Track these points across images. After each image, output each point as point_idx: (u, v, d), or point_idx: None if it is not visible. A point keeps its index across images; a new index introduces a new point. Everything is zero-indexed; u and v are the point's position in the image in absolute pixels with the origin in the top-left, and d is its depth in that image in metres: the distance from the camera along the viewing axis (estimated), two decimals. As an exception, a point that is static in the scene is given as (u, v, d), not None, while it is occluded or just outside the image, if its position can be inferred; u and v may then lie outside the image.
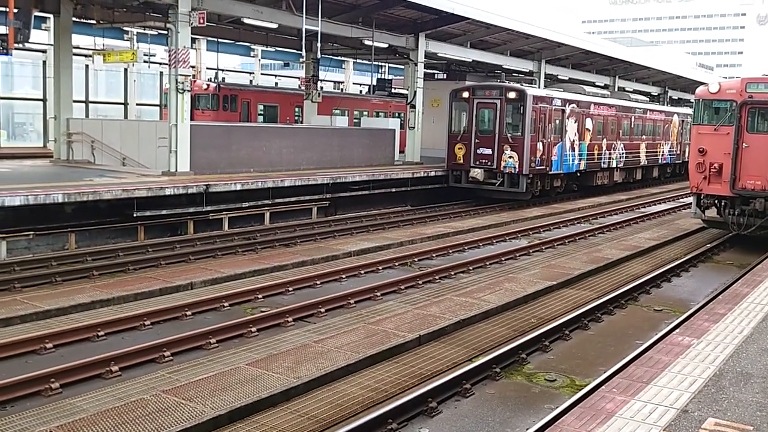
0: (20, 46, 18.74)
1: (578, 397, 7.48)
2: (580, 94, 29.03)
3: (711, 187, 17.21)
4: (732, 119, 16.76)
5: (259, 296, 11.86)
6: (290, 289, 12.41)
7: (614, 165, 31.00)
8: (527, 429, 7.04)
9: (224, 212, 18.07)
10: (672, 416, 5.81)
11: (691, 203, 18.54)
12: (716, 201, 17.65)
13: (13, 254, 14.10)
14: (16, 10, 16.49)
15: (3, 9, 18.24)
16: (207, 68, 36.88)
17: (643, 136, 33.83)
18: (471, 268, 14.64)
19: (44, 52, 29.23)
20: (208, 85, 30.37)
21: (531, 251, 16.77)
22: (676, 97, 52.99)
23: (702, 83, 22.53)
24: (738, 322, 8.75)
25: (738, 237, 17.80)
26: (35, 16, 20.11)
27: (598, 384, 7.69)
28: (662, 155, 36.54)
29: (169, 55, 19.57)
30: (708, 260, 16.59)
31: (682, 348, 7.67)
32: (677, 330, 8.85)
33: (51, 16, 23.05)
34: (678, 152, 38.63)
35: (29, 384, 7.68)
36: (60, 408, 7.07)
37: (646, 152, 34.31)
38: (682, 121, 38.53)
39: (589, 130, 28.32)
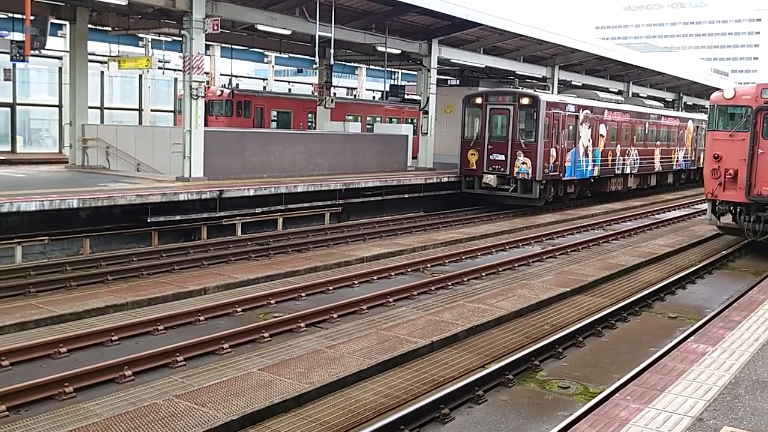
0: (36, 52, 18.92)
1: (592, 404, 7.43)
2: (593, 99, 28.93)
3: (726, 193, 17.08)
4: (747, 125, 16.64)
5: (272, 302, 11.88)
6: (303, 294, 12.43)
7: (628, 171, 30.84)
8: (540, 436, 7.01)
9: (237, 218, 18.14)
10: (687, 424, 5.77)
11: (706, 209, 18.41)
12: (731, 207, 17.52)
13: (28, 259, 14.21)
14: (32, 18, 16.64)
15: (20, 16, 18.42)
16: (221, 74, 37.09)
17: (658, 142, 33.66)
18: (484, 274, 14.60)
19: (60, 58, 29.48)
20: (222, 91, 30.51)
21: (544, 257, 16.71)
22: (691, 103, 52.71)
23: (717, 89, 22.39)
24: (754, 330, 8.67)
25: (754, 244, 17.64)
26: (51, 23, 20.26)
27: (612, 391, 7.64)
28: (677, 161, 36.34)
29: (184, 62, 19.69)
30: (723, 267, 16.46)
31: (697, 355, 7.61)
32: (692, 337, 8.79)
33: (67, 23, 23.26)
34: (693, 158, 38.41)
35: (43, 388, 7.71)
36: (73, 412, 7.11)
37: (661, 158, 34.13)
38: (697, 127, 38.32)
39: (603, 136, 28.21)
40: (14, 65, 25.53)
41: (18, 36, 18.96)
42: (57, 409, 7.24)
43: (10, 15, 22.24)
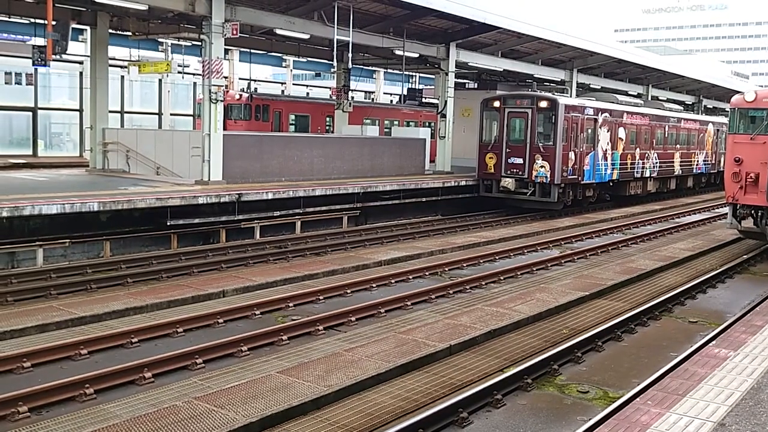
0: (58, 57, 19.14)
1: (612, 409, 7.36)
2: (612, 103, 28.76)
3: (747, 197, 16.91)
4: (769, 128, 16.47)
5: (290, 304, 11.91)
6: (321, 297, 12.44)
7: (648, 174, 30.63)
8: (560, 441, 6.96)
9: (256, 221, 18.20)
10: (709, 429, 5.71)
11: (726, 213, 18.23)
12: (752, 211, 17.33)
13: (49, 261, 14.34)
14: (54, 23, 16.84)
15: (42, 21, 18.65)
16: (240, 78, 37.31)
17: (677, 146, 33.39)
18: (502, 277, 14.55)
19: (81, 63, 29.82)
20: (241, 95, 30.67)
21: (563, 261, 16.62)
22: (711, 106, 52.27)
23: (737, 92, 22.16)
24: (776, 335, 8.57)
25: (775, 248, 17.46)
26: (72, 28, 20.51)
27: (632, 396, 7.58)
28: (697, 165, 36.03)
29: (203, 66, 19.82)
30: (744, 271, 16.29)
31: (718, 360, 7.53)
32: (713, 342, 8.71)
33: (88, 28, 23.49)
34: (713, 162, 38.07)
35: (64, 389, 7.78)
36: (94, 414, 7.16)
37: (681, 162, 33.85)
38: (717, 130, 37.98)
39: (622, 140, 28.04)
40: (36, 70, 25.84)
41: (40, 41, 19.22)
42: (78, 411, 7.30)
43: (32, 20, 22.53)
